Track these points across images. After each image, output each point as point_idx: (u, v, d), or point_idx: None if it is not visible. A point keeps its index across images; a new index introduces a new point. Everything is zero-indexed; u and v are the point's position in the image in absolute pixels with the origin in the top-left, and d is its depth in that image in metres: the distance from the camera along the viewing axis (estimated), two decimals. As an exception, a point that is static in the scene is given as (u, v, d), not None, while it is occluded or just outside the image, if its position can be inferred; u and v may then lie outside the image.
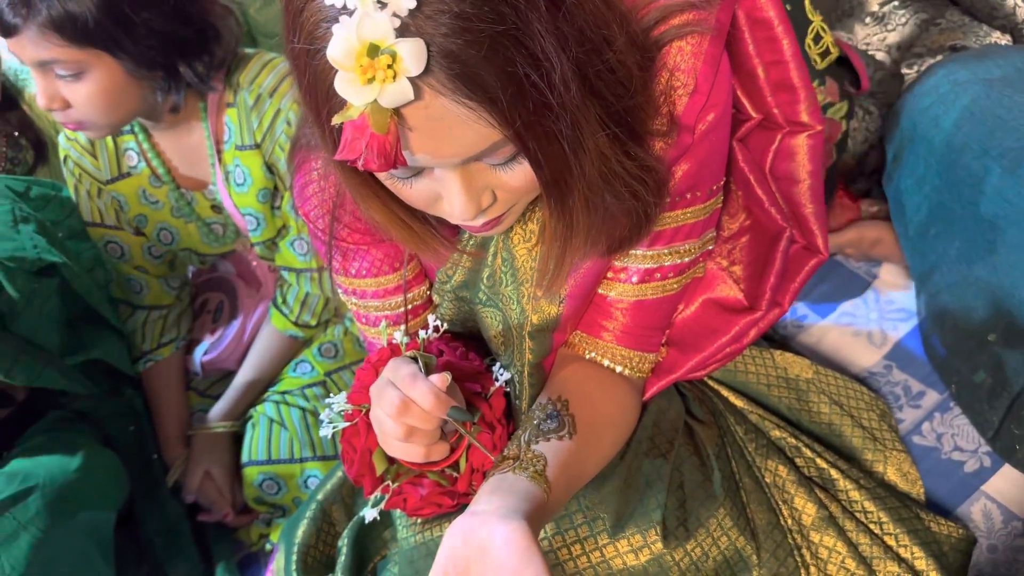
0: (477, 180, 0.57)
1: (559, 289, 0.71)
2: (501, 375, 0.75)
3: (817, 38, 0.96)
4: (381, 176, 0.59)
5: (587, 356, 0.77)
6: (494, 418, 0.73)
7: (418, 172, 0.57)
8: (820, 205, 0.81)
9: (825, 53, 0.97)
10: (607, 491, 0.73)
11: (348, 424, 0.73)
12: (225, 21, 1.03)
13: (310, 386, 1.23)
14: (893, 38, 1.06)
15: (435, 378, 0.61)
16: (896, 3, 1.04)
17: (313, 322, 1.27)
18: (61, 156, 1.21)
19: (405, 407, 0.60)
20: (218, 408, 1.27)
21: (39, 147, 1.37)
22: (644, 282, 0.74)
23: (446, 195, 0.58)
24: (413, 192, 0.59)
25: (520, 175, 0.57)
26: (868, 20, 1.03)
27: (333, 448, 1.19)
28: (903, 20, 1.04)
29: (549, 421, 0.68)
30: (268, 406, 1.21)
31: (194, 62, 1.01)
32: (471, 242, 0.73)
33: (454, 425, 0.66)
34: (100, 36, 0.92)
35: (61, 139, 1.21)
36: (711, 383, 0.88)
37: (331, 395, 0.77)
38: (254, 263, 1.35)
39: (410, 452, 0.65)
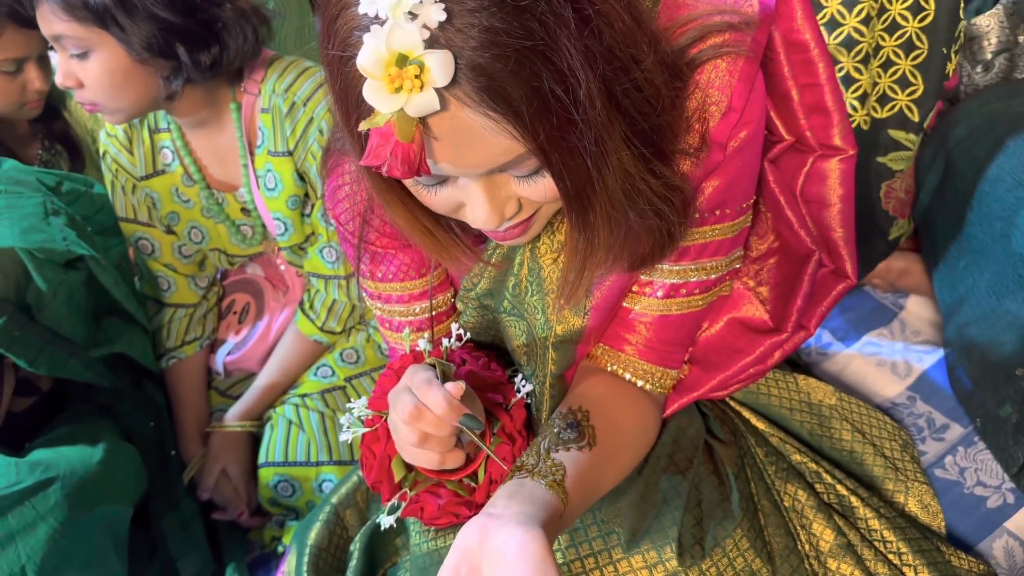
0: (501, 190, 0.57)
1: (579, 301, 0.71)
2: (523, 387, 0.75)
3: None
4: (407, 182, 0.60)
5: (609, 369, 0.77)
6: (514, 429, 0.73)
7: (443, 180, 0.58)
8: (850, 230, 0.80)
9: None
10: (623, 505, 0.73)
11: (368, 429, 0.73)
12: (239, 19, 1.04)
13: (330, 391, 1.24)
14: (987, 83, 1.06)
15: (450, 386, 0.61)
16: (1005, 56, 1.04)
17: (339, 329, 1.28)
18: (100, 151, 1.24)
19: (419, 412, 0.61)
20: (237, 408, 1.27)
21: (74, 154, 1.39)
22: (669, 297, 0.74)
23: (469, 204, 0.58)
24: (437, 199, 0.59)
25: (543, 188, 0.57)
26: (979, 69, 1.04)
27: (349, 453, 1.19)
28: (1003, 69, 1.05)
29: (569, 430, 0.68)
30: (287, 408, 1.22)
31: (197, 53, 1.02)
32: (496, 252, 0.73)
33: (468, 434, 0.66)
34: (101, 15, 0.95)
35: (101, 135, 1.23)
36: (733, 404, 0.87)
37: (351, 400, 0.77)
38: (282, 266, 1.36)
39: (425, 458, 0.65)
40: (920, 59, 0.93)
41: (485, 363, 0.77)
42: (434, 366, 0.66)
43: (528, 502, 0.59)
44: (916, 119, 0.96)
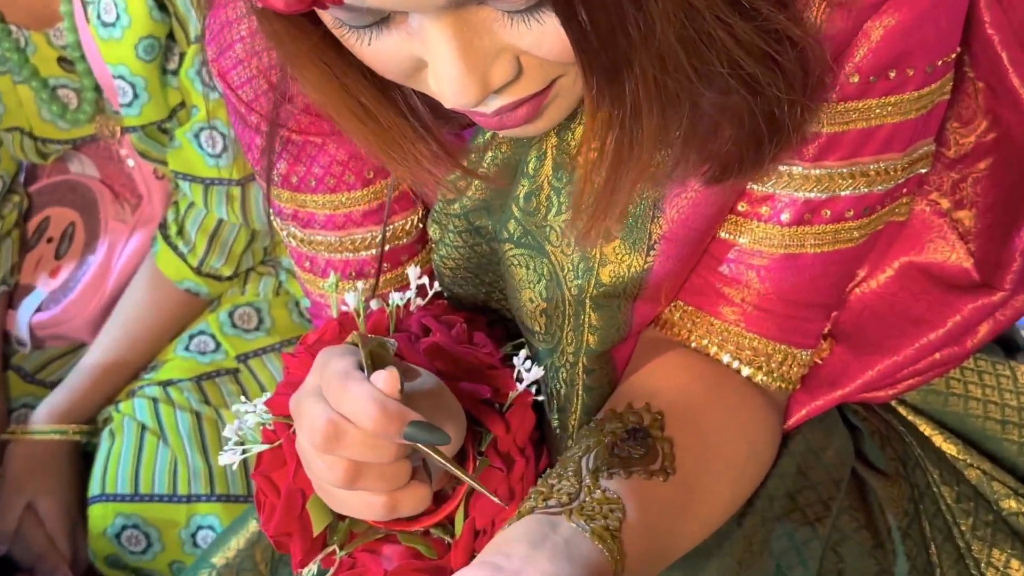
0: (482, 39, 0.57)
1: (605, 226, 0.70)
2: (528, 372, 0.75)
3: None
4: (327, 19, 0.59)
5: (694, 345, 0.78)
6: (513, 445, 0.73)
7: (381, 20, 0.58)
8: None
9: None
10: (711, 574, 0.74)
11: (268, 446, 0.74)
12: None
13: (212, 376, 1.25)
14: None
15: (380, 377, 0.61)
16: None
17: (226, 271, 1.29)
18: None
19: (335, 431, 0.60)
20: (55, 401, 1.28)
21: None
22: (801, 223, 0.73)
23: (431, 61, 0.58)
24: (375, 53, 0.59)
25: (549, 37, 0.57)
26: None
27: (244, 484, 1.20)
28: None
29: (631, 442, 0.68)
30: (139, 404, 1.23)
31: None
32: (493, 154, 0.74)
33: (428, 455, 0.65)
34: None
35: None
36: (903, 412, 0.88)
37: (245, 395, 0.78)
38: (130, 161, 1.36)
39: (363, 506, 0.65)
40: None
41: (463, 333, 0.77)
42: (358, 345, 0.66)
43: (563, 559, 0.59)
44: None
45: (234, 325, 1.29)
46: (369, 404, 0.59)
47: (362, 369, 0.63)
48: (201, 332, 1.29)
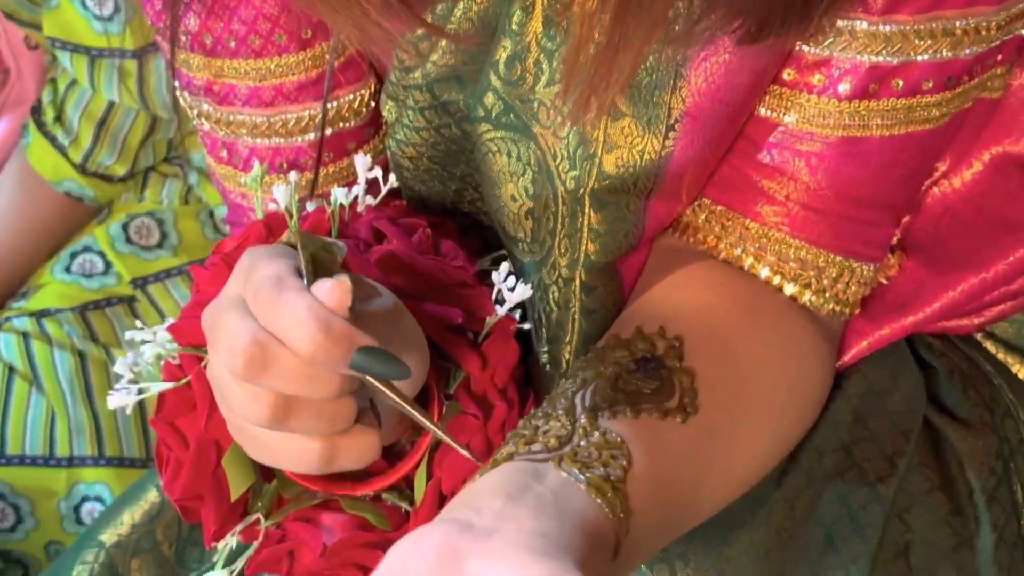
0: None
1: (608, 98, 0.70)
2: (510, 291, 0.75)
3: None
4: None
5: (723, 255, 0.79)
6: (491, 386, 0.74)
7: None
8: None
9: None
10: (737, 552, 0.74)
11: (171, 386, 0.74)
12: None
13: (100, 305, 1.26)
14: None
15: (324, 287, 0.61)
16: None
17: (119, 169, 1.31)
18: None
19: (261, 354, 0.61)
20: None
21: None
22: (865, 96, 0.73)
23: None
24: None
25: None
26: None
27: (142, 443, 1.22)
28: None
29: (641, 375, 0.69)
30: (5, 340, 1.24)
31: None
32: (462, 8, 0.74)
33: (378, 391, 0.65)
34: None
35: None
36: (991, 347, 0.89)
37: (142, 324, 0.78)
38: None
39: (293, 454, 0.66)
40: None
41: (426, 240, 0.77)
42: (295, 247, 0.66)
43: (550, 513, 0.58)
44: None
45: (129, 240, 1.30)
46: (308, 321, 0.59)
47: (300, 276, 0.62)
48: (86, 249, 1.30)
